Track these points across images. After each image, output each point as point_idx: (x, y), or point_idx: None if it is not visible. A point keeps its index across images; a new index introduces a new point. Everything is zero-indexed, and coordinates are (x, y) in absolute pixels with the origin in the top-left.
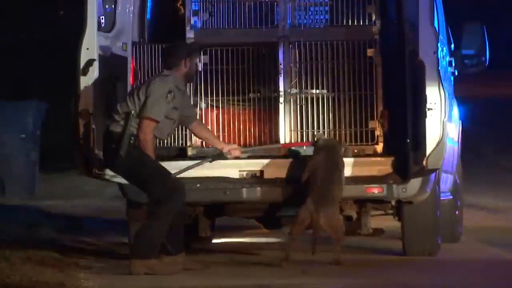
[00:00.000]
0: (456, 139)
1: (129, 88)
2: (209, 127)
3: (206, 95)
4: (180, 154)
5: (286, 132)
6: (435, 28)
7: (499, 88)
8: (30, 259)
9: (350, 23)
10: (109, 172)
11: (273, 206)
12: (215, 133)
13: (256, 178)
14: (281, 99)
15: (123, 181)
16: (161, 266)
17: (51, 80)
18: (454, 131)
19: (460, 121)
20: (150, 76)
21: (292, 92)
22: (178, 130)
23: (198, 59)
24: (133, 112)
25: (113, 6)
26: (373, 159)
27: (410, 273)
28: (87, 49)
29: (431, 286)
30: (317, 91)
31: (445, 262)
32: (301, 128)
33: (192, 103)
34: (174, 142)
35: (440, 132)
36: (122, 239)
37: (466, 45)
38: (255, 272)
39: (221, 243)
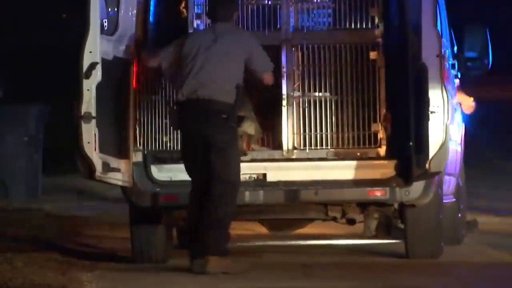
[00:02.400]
0: (459, 142)
1: (131, 92)
2: None
3: None
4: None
5: (289, 135)
6: (438, 31)
7: (503, 91)
8: (32, 261)
9: (353, 26)
10: (111, 175)
11: (276, 208)
12: None
13: (259, 181)
14: (284, 102)
15: (125, 183)
16: (235, 265)
17: (54, 82)
18: (457, 134)
19: (463, 124)
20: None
21: (295, 95)
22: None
23: None
24: (240, 84)
25: (115, 9)
26: (376, 162)
27: (413, 276)
28: (90, 52)
29: None
30: (320, 94)
31: (448, 265)
32: (304, 131)
33: None
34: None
35: (443, 135)
36: (124, 242)
37: (469, 48)
38: (256, 274)
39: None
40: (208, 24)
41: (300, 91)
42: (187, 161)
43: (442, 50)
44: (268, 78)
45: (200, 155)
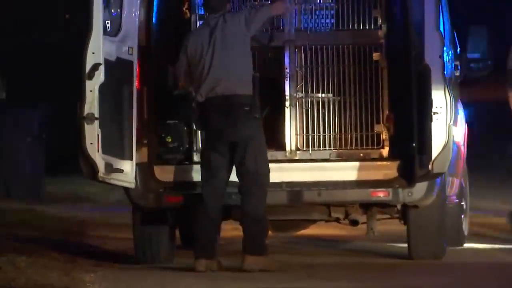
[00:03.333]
0: (462, 143)
1: (135, 93)
2: None
3: None
4: (186, 158)
5: (292, 136)
6: (441, 32)
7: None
8: (35, 262)
9: (356, 27)
10: (114, 176)
11: (279, 209)
12: None
13: None
14: (287, 103)
15: (128, 184)
16: (272, 262)
17: (57, 84)
18: (460, 135)
19: (466, 125)
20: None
21: (298, 96)
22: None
23: None
24: (254, 73)
25: (118, 11)
26: (379, 163)
27: (416, 277)
28: (93, 53)
29: None
30: (323, 95)
31: (451, 266)
32: (307, 132)
33: None
34: (181, 145)
35: (446, 136)
36: (128, 243)
37: (472, 49)
38: (260, 275)
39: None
40: (204, 19)
41: (303, 92)
42: (207, 162)
43: (445, 51)
44: (272, 8)
45: (224, 155)
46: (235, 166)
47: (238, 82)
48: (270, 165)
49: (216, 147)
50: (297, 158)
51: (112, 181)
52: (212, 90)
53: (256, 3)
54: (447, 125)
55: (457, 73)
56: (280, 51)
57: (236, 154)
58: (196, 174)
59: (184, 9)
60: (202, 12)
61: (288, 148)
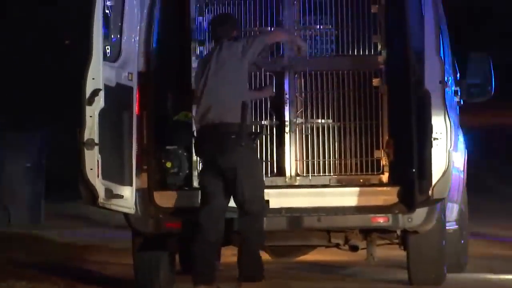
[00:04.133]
0: (462, 169)
1: (135, 118)
2: None
3: None
4: (186, 184)
5: (291, 162)
6: (441, 57)
7: (505, 118)
8: None
9: (355, 53)
10: (114, 202)
11: (279, 234)
12: None
13: None
14: (287, 129)
15: (128, 210)
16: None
17: (57, 109)
18: (459, 160)
19: (466, 151)
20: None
21: (297, 121)
22: (183, 159)
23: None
24: (246, 101)
25: (118, 36)
26: (378, 188)
27: None
28: (93, 79)
29: None
30: (323, 120)
31: None
32: (307, 157)
33: None
34: (180, 171)
35: (446, 161)
36: (128, 268)
37: (472, 75)
38: None
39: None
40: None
41: (303, 117)
42: (202, 187)
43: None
44: (270, 36)
45: (217, 181)
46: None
47: (226, 110)
48: (270, 191)
49: (209, 173)
50: (297, 183)
51: (112, 207)
52: (204, 117)
53: (256, 29)
54: (447, 150)
55: (457, 99)
56: (280, 77)
57: (227, 181)
58: (196, 200)
59: (184, 35)
60: (202, 38)
61: (288, 173)
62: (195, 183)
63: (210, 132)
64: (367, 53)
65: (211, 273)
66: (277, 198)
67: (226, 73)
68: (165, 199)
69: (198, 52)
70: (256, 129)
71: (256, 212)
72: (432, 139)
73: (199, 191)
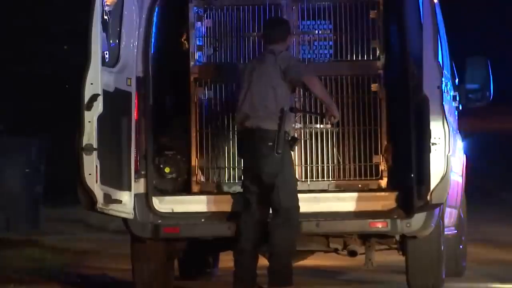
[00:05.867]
0: (461, 174)
1: (133, 124)
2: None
3: (211, 128)
4: (184, 189)
5: None
6: (439, 62)
7: (504, 123)
8: None
9: (354, 58)
10: (112, 207)
11: None
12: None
13: None
14: None
15: (126, 215)
16: None
17: (55, 114)
18: (458, 165)
19: (465, 156)
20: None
21: (296, 127)
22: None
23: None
24: (286, 108)
25: (117, 41)
26: (377, 193)
27: None
28: (91, 84)
29: None
30: (321, 126)
31: None
32: (306, 163)
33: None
34: (179, 176)
35: (445, 166)
36: (126, 273)
37: (471, 79)
38: None
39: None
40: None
41: (302, 123)
42: (242, 192)
43: (444, 82)
44: (310, 80)
45: (254, 186)
46: None
47: (263, 116)
48: None
49: (248, 179)
50: None
51: (111, 212)
52: (243, 122)
53: (255, 34)
54: (446, 155)
55: (456, 104)
56: None
57: (264, 188)
58: (194, 205)
59: (182, 40)
60: (200, 43)
61: None
62: (194, 188)
63: (248, 137)
64: (365, 58)
65: (251, 279)
66: None
67: (267, 81)
68: (164, 204)
69: (196, 57)
70: (294, 135)
71: (291, 220)
72: (431, 144)
73: (198, 196)
